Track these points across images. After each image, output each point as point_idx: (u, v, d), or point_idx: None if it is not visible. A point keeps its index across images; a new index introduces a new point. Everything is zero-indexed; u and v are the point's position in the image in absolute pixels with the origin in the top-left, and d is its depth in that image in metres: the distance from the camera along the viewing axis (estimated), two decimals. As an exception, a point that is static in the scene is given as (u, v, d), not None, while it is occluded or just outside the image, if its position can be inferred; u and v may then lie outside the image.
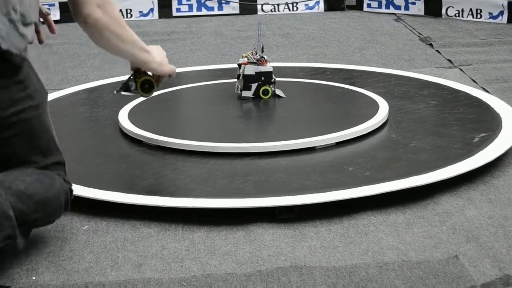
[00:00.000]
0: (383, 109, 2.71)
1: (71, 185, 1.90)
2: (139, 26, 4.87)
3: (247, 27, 4.84)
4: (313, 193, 2.06)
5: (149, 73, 2.33)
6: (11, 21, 1.73)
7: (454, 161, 2.25)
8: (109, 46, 2.07)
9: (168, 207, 2.03)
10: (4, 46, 1.69)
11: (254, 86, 2.89)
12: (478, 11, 4.75)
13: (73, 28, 4.86)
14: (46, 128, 1.84)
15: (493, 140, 2.42)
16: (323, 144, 2.42)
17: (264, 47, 2.91)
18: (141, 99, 2.79)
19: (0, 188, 1.69)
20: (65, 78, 3.65)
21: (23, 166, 1.81)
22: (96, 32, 2.02)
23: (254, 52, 2.88)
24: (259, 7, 5.30)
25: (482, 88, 3.19)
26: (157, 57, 2.24)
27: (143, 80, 2.33)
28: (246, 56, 2.89)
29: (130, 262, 1.83)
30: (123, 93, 2.36)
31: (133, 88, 2.35)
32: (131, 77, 2.34)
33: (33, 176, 1.78)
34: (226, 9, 5.30)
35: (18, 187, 1.73)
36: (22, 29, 1.75)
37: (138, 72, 2.33)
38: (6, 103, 1.73)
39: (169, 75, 2.33)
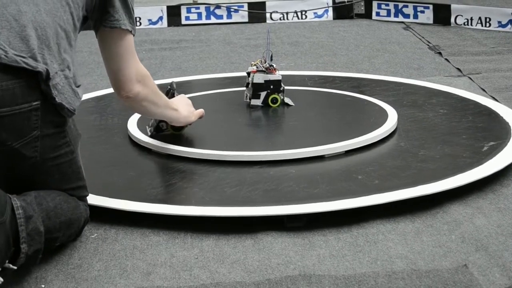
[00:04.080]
0: (392, 117, 2.71)
1: (88, 214, 2.00)
2: (148, 34, 4.88)
3: (256, 36, 4.84)
4: (322, 201, 2.06)
5: None
6: (66, 77, 1.84)
7: (463, 170, 2.25)
8: (145, 111, 2.30)
9: (177, 215, 2.04)
10: (58, 100, 1.78)
11: (263, 94, 2.89)
12: (487, 20, 4.75)
13: (83, 37, 4.85)
14: (77, 169, 1.94)
15: (502, 148, 2.42)
16: (332, 152, 2.42)
17: (273, 56, 2.92)
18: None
19: (34, 204, 1.77)
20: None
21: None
22: (136, 103, 2.21)
23: (263, 61, 2.89)
24: (268, 15, 5.31)
25: (491, 96, 3.19)
26: (183, 111, 2.47)
27: None
28: (255, 65, 2.89)
29: (139, 270, 1.83)
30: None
31: (164, 127, 2.59)
32: (160, 119, 2.55)
33: (61, 197, 1.87)
34: (235, 18, 5.30)
35: (48, 205, 1.82)
36: (74, 87, 1.87)
37: None
38: (47, 150, 1.81)
39: (200, 117, 2.57)
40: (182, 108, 2.48)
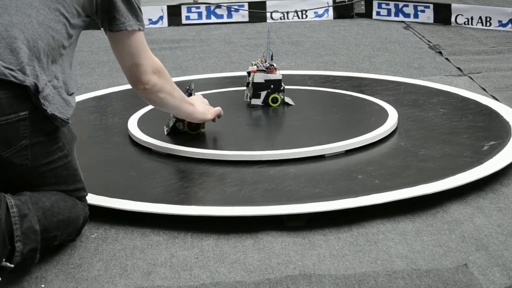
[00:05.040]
0: (393, 117, 2.71)
1: (88, 213, 1.99)
2: (149, 34, 4.87)
3: (257, 35, 4.84)
4: (322, 201, 2.06)
5: None
6: (55, 87, 1.83)
7: (463, 169, 2.25)
8: (162, 103, 2.30)
9: (177, 215, 2.04)
10: (50, 111, 1.78)
11: (263, 94, 2.89)
12: (488, 19, 4.75)
13: (83, 37, 4.85)
14: (73, 171, 1.94)
15: (502, 148, 2.42)
16: (332, 152, 2.42)
17: (273, 55, 2.91)
18: (151, 106, 2.80)
19: (29, 203, 1.77)
20: (74, 86, 3.66)
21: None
22: (153, 95, 2.23)
23: (263, 60, 2.89)
24: (268, 15, 5.31)
25: (492, 96, 3.19)
26: (199, 107, 2.48)
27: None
28: (255, 64, 2.89)
29: (139, 270, 1.83)
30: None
31: (181, 127, 2.61)
32: (177, 119, 2.58)
33: (58, 196, 1.87)
34: (236, 17, 5.30)
35: (44, 204, 1.81)
36: (66, 95, 1.86)
37: None
38: (38, 157, 1.81)
39: (218, 117, 2.58)
40: (198, 105, 2.48)
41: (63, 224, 1.86)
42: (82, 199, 1.97)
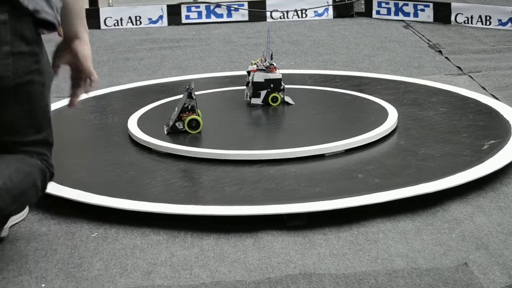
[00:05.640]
0: (392, 116, 2.70)
1: (53, 168, 1.90)
2: (149, 33, 4.87)
3: (256, 34, 4.84)
4: (322, 200, 2.06)
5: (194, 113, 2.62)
6: None
7: (463, 168, 2.25)
8: None
9: (177, 214, 2.04)
10: (31, 7, 1.72)
11: (263, 93, 2.89)
12: (487, 18, 4.74)
13: (83, 36, 4.85)
14: (46, 105, 1.86)
15: (502, 147, 2.42)
16: (332, 151, 2.42)
17: (273, 54, 2.91)
18: (151, 105, 2.81)
19: None
20: None
21: (13, 137, 1.82)
22: None
23: (263, 59, 2.89)
24: (268, 14, 5.30)
25: (492, 95, 3.19)
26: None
27: (190, 119, 2.61)
28: (255, 63, 2.89)
29: (140, 269, 1.83)
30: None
31: (180, 127, 2.62)
32: (177, 119, 2.60)
33: (12, 167, 1.79)
34: (235, 16, 5.30)
35: None
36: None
37: (183, 113, 2.58)
38: (21, 71, 1.75)
39: (90, 77, 2.13)
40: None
41: (18, 197, 1.79)
42: (48, 155, 1.88)
